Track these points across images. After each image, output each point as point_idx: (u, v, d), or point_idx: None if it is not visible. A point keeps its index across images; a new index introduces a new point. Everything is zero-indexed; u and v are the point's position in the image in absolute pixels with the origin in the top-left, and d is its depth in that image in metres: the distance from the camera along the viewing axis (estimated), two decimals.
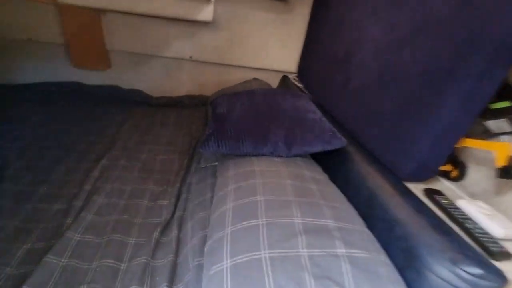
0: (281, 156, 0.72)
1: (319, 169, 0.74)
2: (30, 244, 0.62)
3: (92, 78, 1.44)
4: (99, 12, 1.25)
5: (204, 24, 1.35)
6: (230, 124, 0.75)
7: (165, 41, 1.38)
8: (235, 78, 1.51)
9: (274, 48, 1.44)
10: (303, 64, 1.41)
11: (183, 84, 1.52)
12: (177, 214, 0.75)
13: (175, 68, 1.48)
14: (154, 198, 0.81)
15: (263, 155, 0.72)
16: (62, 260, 0.58)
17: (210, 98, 1.29)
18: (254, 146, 0.71)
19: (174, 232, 0.68)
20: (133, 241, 0.67)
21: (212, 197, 0.69)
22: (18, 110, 1.19)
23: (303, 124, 0.77)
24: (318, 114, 0.84)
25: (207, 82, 1.53)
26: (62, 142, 1.02)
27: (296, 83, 1.40)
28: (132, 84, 1.49)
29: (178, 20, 1.33)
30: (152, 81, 1.50)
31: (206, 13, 0.97)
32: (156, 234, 0.68)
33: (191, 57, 1.43)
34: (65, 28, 1.26)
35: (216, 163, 0.87)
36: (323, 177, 0.68)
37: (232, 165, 0.69)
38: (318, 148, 0.73)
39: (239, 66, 1.48)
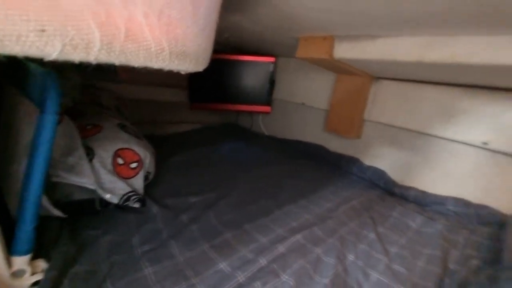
0: None
1: None
2: None
3: (336, 144, 1.35)
4: (371, 78, 1.14)
5: None
6: None
7: (444, 116, 0.98)
8: None
9: None
10: None
11: (453, 180, 0.98)
12: None
13: (448, 155, 0.99)
14: None
15: None
16: None
17: None
18: None
19: None
20: None
21: None
22: (266, 157, 1.32)
23: None
24: None
25: (502, 189, 0.87)
26: (278, 196, 0.92)
27: None
28: (377, 162, 1.19)
29: (477, 87, 0.89)
30: (404, 165, 1.11)
31: None
32: None
33: (485, 144, 0.89)
34: (333, 94, 1.27)
35: None
36: None
37: None
38: None
39: None
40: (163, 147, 1.18)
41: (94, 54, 0.25)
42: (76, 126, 0.62)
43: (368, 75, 1.11)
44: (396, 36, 0.72)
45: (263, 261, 0.59)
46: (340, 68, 1.04)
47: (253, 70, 1.46)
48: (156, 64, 0.31)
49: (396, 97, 1.10)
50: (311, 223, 0.77)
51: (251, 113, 1.74)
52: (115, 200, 0.64)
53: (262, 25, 0.88)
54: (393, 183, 1.09)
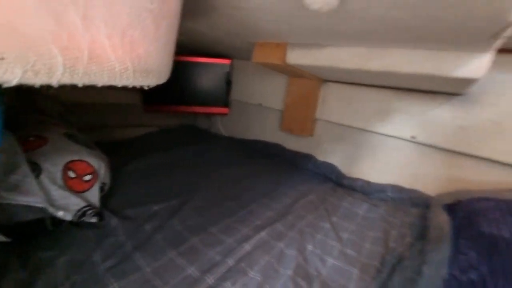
0: None
1: None
2: None
3: (292, 142, 1.44)
4: (320, 81, 1.24)
5: (446, 96, 0.95)
6: None
7: (381, 114, 1.12)
8: (485, 179, 0.92)
9: None
10: None
11: (390, 170, 1.13)
12: None
13: (385, 148, 1.14)
14: None
15: None
16: None
17: (438, 200, 0.80)
18: None
19: None
20: None
21: None
22: (226, 158, 1.34)
23: None
24: None
25: (428, 175, 1.04)
26: (240, 196, 0.96)
27: None
28: (328, 157, 1.31)
29: (407, 90, 1.04)
30: (351, 159, 1.24)
31: (475, 66, 0.60)
32: None
33: (413, 137, 1.04)
34: (287, 96, 1.35)
35: None
36: None
37: None
38: None
39: (501, 163, 0.88)
40: (118, 154, 1.11)
41: (57, 78, 0.25)
42: (17, 139, 0.56)
43: (318, 78, 1.21)
44: (340, 46, 0.80)
45: (231, 261, 0.61)
46: (292, 72, 1.11)
47: (209, 71, 1.46)
48: (120, 82, 0.31)
49: (342, 98, 1.22)
50: (273, 219, 0.82)
51: (208, 114, 1.74)
52: (69, 216, 0.60)
53: (219, 31, 0.90)
54: (343, 176, 1.21)
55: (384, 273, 0.63)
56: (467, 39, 0.54)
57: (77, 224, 0.63)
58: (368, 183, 1.14)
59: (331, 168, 1.25)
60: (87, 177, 0.68)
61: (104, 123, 1.40)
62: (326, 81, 1.26)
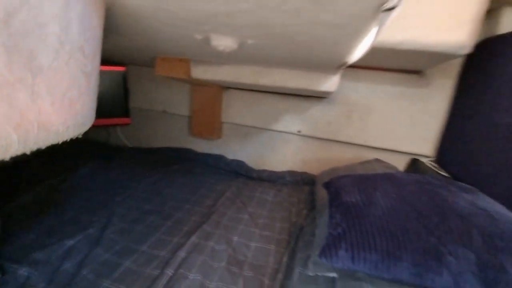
0: None
1: None
2: None
3: (202, 145, 1.52)
4: (222, 88, 1.37)
5: (318, 99, 1.27)
6: (373, 225, 0.48)
7: (275, 115, 1.36)
8: (346, 157, 1.29)
9: (401, 126, 1.17)
10: (446, 145, 1.07)
11: (286, 159, 1.40)
12: None
13: (281, 142, 1.40)
14: None
15: None
16: None
17: (320, 178, 1.08)
18: (417, 273, 0.41)
19: None
20: None
21: None
22: (136, 171, 1.29)
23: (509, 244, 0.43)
24: None
25: (312, 159, 1.36)
26: (162, 208, 0.98)
27: (436, 169, 1.05)
28: (237, 155, 1.47)
29: (292, 95, 1.31)
30: (256, 154, 1.45)
31: (330, 83, 0.87)
32: None
33: (299, 132, 1.33)
34: (193, 102, 1.41)
35: (335, 275, 0.59)
36: None
37: None
38: None
39: (353, 144, 1.26)
40: None
41: (12, 153, 0.27)
42: None
43: (220, 86, 1.33)
44: (238, 65, 0.94)
45: (170, 272, 0.67)
46: (195, 83, 1.19)
47: (103, 80, 1.33)
48: (62, 139, 0.34)
49: (243, 103, 1.39)
50: (200, 222, 0.91)
51: (108, 126, 1.58)
52: None
53: (119, 47, 0.87)
54: (252, 170, 1.40)
55: (292, 243, 0.84)
56: (323, 68, 0.78)
57: None
58: (273, 172, 1.37)
59: (241, 164, 1.42)
60: None
61: None
62: (227, 87, 1.39)
